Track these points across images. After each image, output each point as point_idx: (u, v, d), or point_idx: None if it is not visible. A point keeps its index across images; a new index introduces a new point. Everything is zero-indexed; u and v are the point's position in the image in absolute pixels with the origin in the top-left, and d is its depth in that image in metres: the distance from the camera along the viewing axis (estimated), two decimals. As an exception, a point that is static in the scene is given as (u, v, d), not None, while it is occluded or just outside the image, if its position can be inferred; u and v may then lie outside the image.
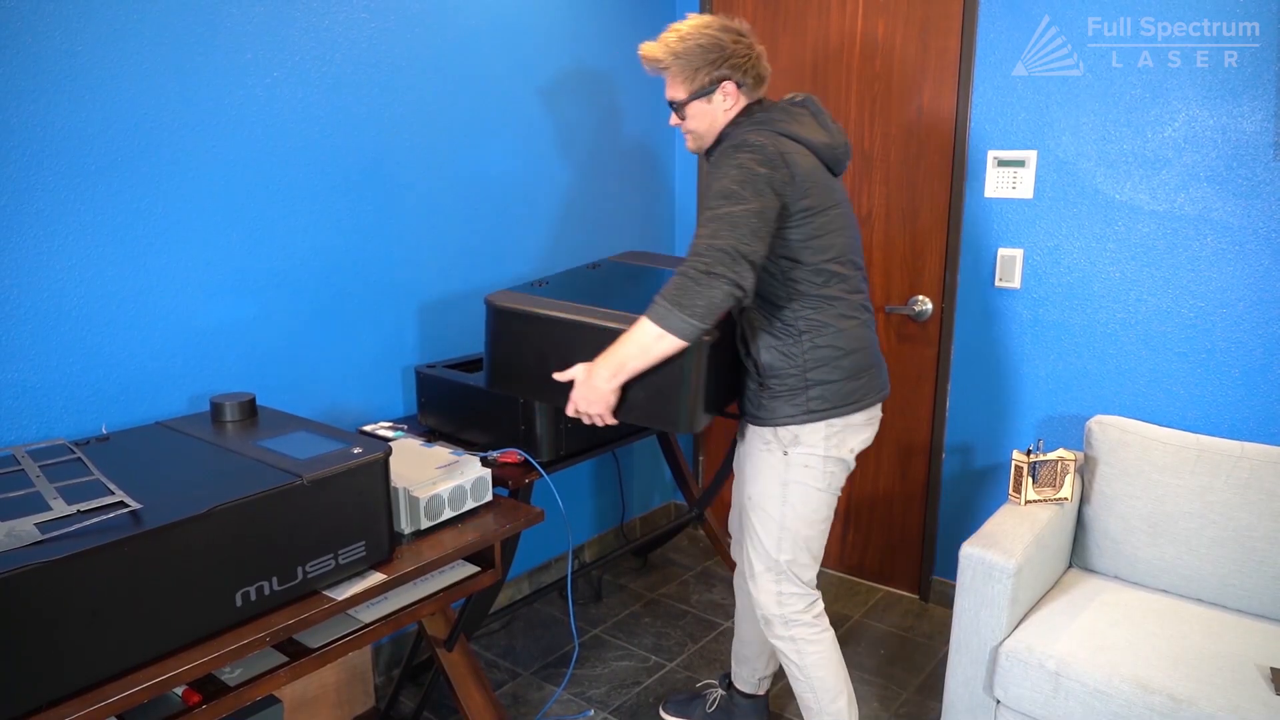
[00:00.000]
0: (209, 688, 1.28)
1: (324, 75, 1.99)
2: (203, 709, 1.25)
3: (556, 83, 2.58)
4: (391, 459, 1.45)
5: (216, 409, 1.61)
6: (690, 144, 1.81)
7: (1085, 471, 2.18)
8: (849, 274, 1.73)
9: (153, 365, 1.77)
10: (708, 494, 2.81)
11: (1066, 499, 2.10)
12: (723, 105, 1.72)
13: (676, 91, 1.73)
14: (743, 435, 1.88)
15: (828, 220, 1.67)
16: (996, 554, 1.85)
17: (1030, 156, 2.37)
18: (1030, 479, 2.08)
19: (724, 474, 2.73)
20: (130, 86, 1.66)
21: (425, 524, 1.56)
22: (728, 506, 2.24)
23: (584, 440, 2.08)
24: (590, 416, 1.67)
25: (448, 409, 2.10)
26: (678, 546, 3.25)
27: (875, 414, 1.81)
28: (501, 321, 1.77)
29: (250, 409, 1.64)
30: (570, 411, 1.68)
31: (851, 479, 1.83)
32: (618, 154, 2.86)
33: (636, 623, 2.70)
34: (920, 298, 2.64)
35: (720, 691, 2.20)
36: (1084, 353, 2.37)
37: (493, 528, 1.61)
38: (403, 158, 2.19)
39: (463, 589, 1.61)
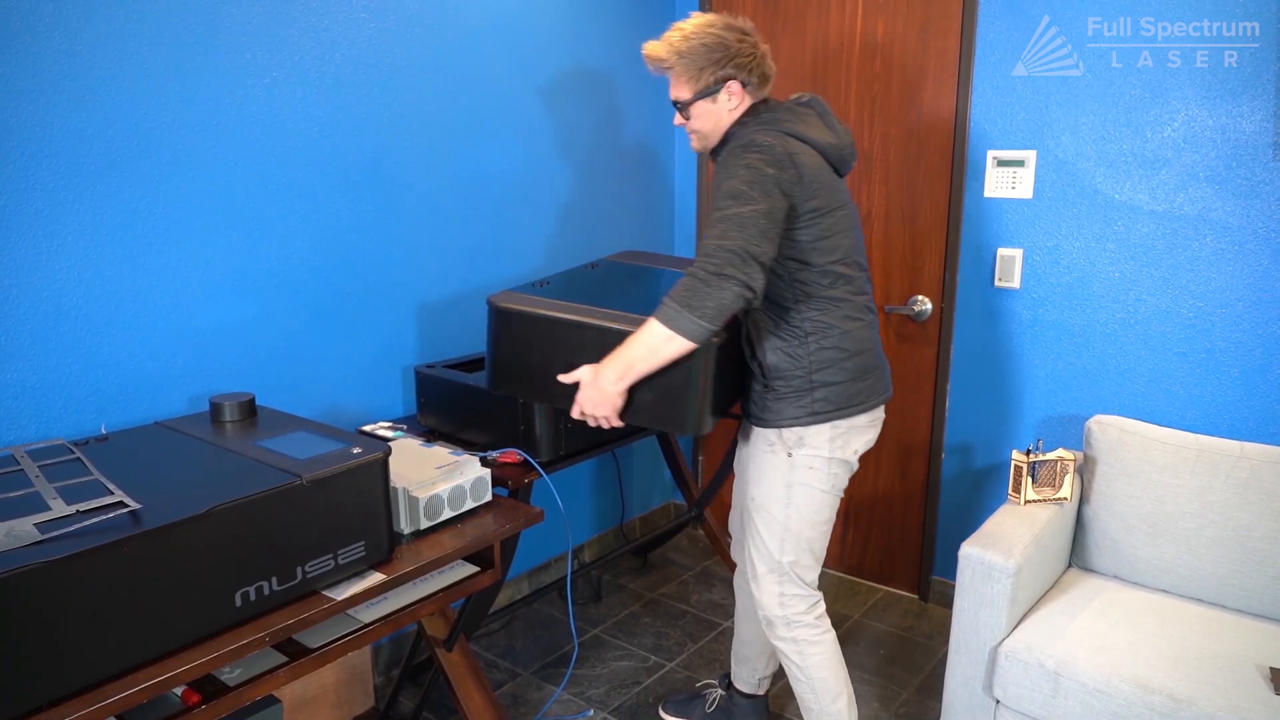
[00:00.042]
0: (208, 688, 1.28)
1: (323, 75, 1.99)
2: (202, 709, 1.25)
3: (556, 82, 2.58)
4: (391, 459, 1.45)
5: (216, 409, 1.61)
6: (694, 144, 1.79)
7: (1085, 471, 2.18)
8: (855, 275, 1.72)
9: (152, 365, 1.77)
10: (707, 494, 2.81)
11: (1066, 499, 2.10)
12: (728, 105, 1.70)
13: (681, 91, 1.72)
14: (745, 436, 1.88)
15: (834, 221, 1.67)
16: (996, 554, 1.85)
17: (1030, 156, 2.37)
18: (1030, 479, 2.08)
19: (723, 474, 2.73)
20: (130, 86, 1.66)
21: (425, 524, 1.56)
22: (727, 506, 2.24)
23: (583, 440, 2.08)
24: (596, 419, 1.65)
25: (447, 409, 2.10)
26: (677, 546, 3.25)
27: (878, 415, 1.81)
28: (504, 322, 1.76)
29: (250, 409, 1.64)
30: (575, 414, 1.67)
31: (851, 479, 1.83)
32: (617, 153, 2.86)
33: (636, 623, 2.70)
34: (920, 298, 2.64)
35: (720, 691, 2.20)
36: (1083, 353, 2.37)
37: (492, 528, 1.61)
38: (402, 158, 2.19)
39: (462, 589, 1.61)
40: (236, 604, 1.24)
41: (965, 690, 1.92)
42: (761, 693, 2.14)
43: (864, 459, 1.86)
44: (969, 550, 1.88)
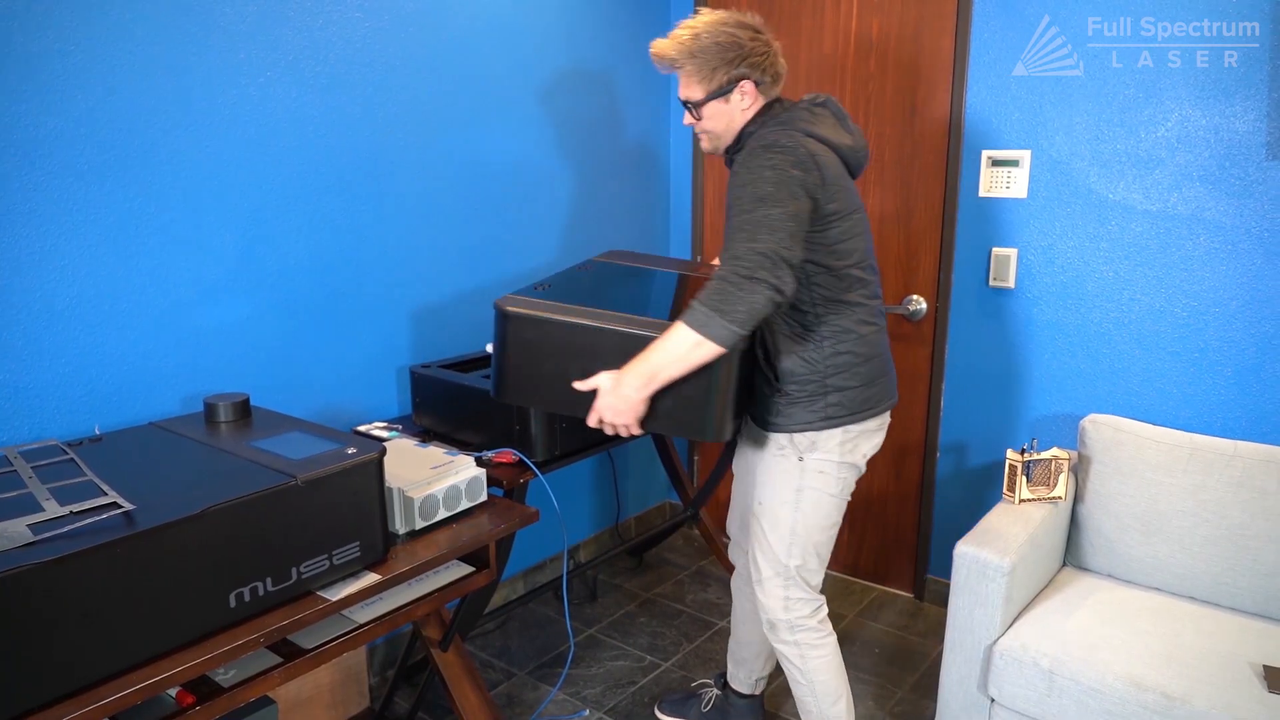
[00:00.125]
0: (203, 689, 1.28)
1: (318, 75, 1.98)
2: (196, 710, 1.24)
3: (552, 82, 2.58)
4: (386, 459, 1.45)
5: (210, 409, 1.61)
6: (705, 144, 1.76)
7: (1079, 470, 2.19)
8: (870, 279, 1.71)
9: (146, 365, 1.76)
10: (702, 494, 2.81)
11: (1060, 498, 2.10)
12: (740, 105, 1.67)
13: (692, 91, 1.68)
14: (750, 440, 1.87)
15: (852, 224, 1.65)
16: (991, 553, 1.85)
17: (1024, 156, 2.38)
18: (1024, 478, 2.08)
19: (719, 474, 2.73)
20: (124, 86, 1.66)
21: (420, 524, 1.55)
22: (723, 506, 2.24)
23: (579, 440, 2.07)
24: (615, 427, 1.61)
25: (442, 409, 2.10)
26: (673, 546, 3.25)
27: (885, 420, 1.80)
28: (516, 328, 1.66)
29: (244, 409, 1.63)
30: (593, 422, 1.61)
31: (850, 480, 1.82)
32: (614, 153, 2.86)
33: (632, 622, 2.70)
34: (915, 297, 2.65)
35: (715, 691, 2.20)
36: (1078, 352, 2.38)
37: (487, 528, 1.61)
38: (397, 157, 2.19)
39: (457, 589, 1.61)
40: (231, 605, 1.24)
41: (960, 689, 1.92)
42: (758, 693, 2.14)
43: (863, 460, 1.85)
44: (964, 549, 1.89)
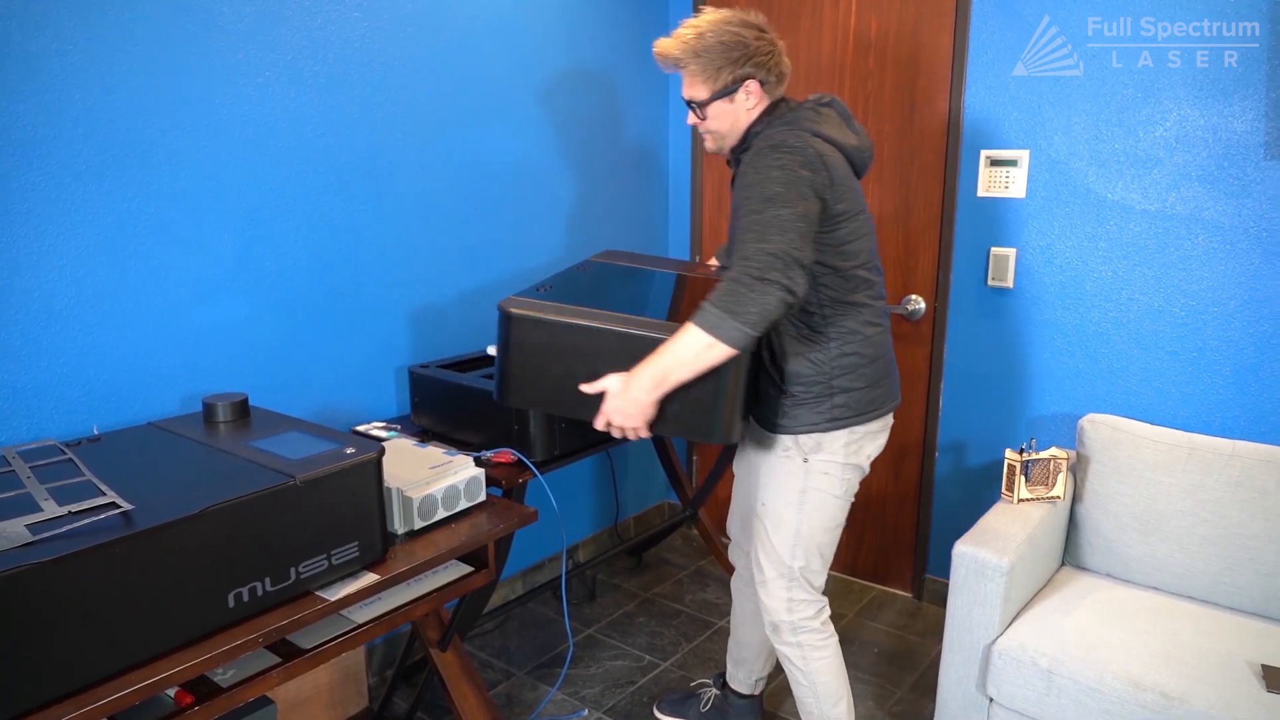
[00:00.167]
0: (201, 689, 1.28)
1: (316, 74, 1.98)
2: (195, 710, 1.24)
3: (552, 82, 2.58)
4: (385, 459, 1.45)
5: (209, 409, 1.60)
6: (710, 144, 1.75)
7: (1078, 470, 2.19)
8: (875, 280, 1.70)
9: (144, 365, 1.76)
10: (701, 493, 2.81)
11: (1059, 497, 2.10)
12: (745, 104, 1.66)
13: (697, 91, 1.67)
14: (752, 440, 1.86)
15: (858, 225, 1.64)
16: (989, 552, 1.85)
17: (1023, 156, 2.38)
18: (1023, 477, 2.09)
19: (718, 473, 2.73)
20: (122, 86, 1.65)
21: (419, 524, 1.55)
22: (722, 506, 2.24)
23: (578, 440, 2.07)
24: (624, 430, 1.59)
25: (441, 409, 2.10)
26: (672, 546, 3.25)
27: (889, 421, 1.80)
28: (521, 330, 1.63)
29: (243, 409, 1.63)
30: (600, 425, 1.60)
31: (850, 482, 1.82)
32: (613, 153, 2.86)
33: (631, 622, 2.70)
34: (913, 297, 2.65)
35: (715, 691, 2.20)
36: (1076, 351, 2.38)
37: (486, 528, 1.61)
38: (396, 157, 2.18)
39: (456, 589, 1.61)
40: (230, 605, 1.24)
41: (959, 688, 1.93)
42: (757, 693, 2.14)
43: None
44: (963, 549, 1.89)
